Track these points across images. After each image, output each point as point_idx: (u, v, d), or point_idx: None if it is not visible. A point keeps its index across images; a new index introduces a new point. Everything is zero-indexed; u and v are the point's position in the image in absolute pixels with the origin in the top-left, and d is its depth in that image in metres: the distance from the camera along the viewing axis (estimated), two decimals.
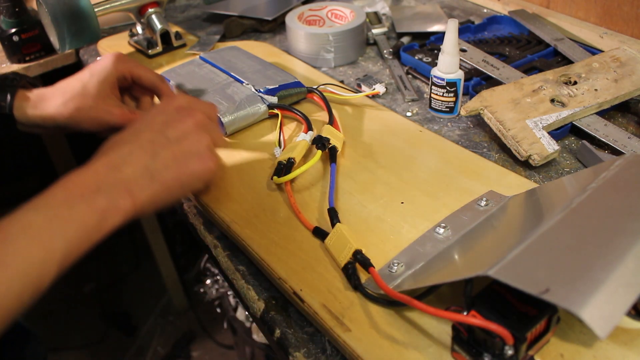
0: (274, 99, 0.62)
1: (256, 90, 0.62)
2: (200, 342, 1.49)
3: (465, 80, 0.65)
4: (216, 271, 1.27)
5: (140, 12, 0.79)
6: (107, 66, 0.56)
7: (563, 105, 0.58)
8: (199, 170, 0.46)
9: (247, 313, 1.13)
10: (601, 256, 0.32)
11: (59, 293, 1.62)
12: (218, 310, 1.24)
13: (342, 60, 0.77)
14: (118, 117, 0.55)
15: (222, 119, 0.58)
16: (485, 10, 0.89)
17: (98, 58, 0.83)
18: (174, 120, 0.46)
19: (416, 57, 0.73)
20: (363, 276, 0.41)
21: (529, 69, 0.68)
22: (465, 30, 0.80)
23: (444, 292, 0.39)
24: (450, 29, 0.58)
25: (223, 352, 1.46)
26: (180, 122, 0.46)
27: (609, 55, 0.64)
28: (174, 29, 0.83)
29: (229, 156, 0.57)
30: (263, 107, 0.61)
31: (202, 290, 1.28)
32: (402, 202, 0.49)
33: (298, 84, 0.64)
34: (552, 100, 0.58)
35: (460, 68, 0.60)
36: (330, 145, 0.54)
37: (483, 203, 0.46)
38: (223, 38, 0.86)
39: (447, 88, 0.61)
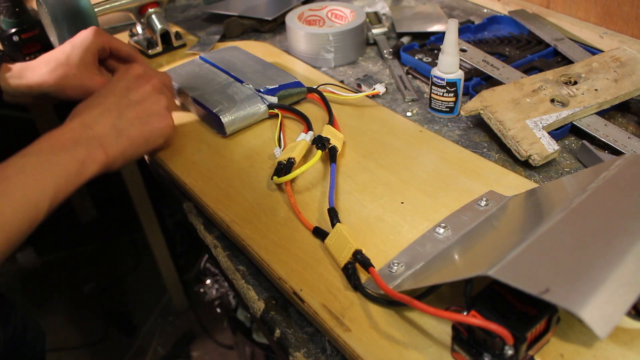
0: (274, 99, 0.62)
1: (256, 90, 0.62)
2: (200, 342, 1.49)
3: (465, 80, 0.65)
4: (216, 271, 1.27)
5: (140, 12, 0.79)
6: (87, 38, 0.60)
7: (563, 105, 0.58)
8: (159, 127, 0.54)
9: (247, 313, 1.13)
10: (601, 256, 0.32)
11: (59, 293, 1.62)
12: (218, 310, 1.24)
13: (342, 60, 0.77)
14: (100, 84, 0.59)
15: (222, 119, 0.58)
16: (485, 10, 0.89)
17: None
18: (135, 85, 0.54)
19: (416, 57, 0.73)
20: (363, 276, 0.41)
21: (529, 69, 0.68)
22: (465, 30, 0.80)
23: (444, 292, 0.39)
24: (450, 29, 0.58)
25: (223, 352, 1.46)
26: (140, 87, 0.54)
27: (609, 55, 0.64)
28: (174, 29, 0.83)
29: (229, 156, 0.57)
30: (263, 107, 0.61)
31: (202, 290, 1.28)
32: (402, 202, 0.49)
33: (298, 84, 0.64)
34: (552, 100, 0.58)
35: (460, 68, 0.60)
36: (330, 145, 0.54)
37: (483, 203, 0.46)
38: (223, 38, 0.86)
39: (447, 88, 0.61)
